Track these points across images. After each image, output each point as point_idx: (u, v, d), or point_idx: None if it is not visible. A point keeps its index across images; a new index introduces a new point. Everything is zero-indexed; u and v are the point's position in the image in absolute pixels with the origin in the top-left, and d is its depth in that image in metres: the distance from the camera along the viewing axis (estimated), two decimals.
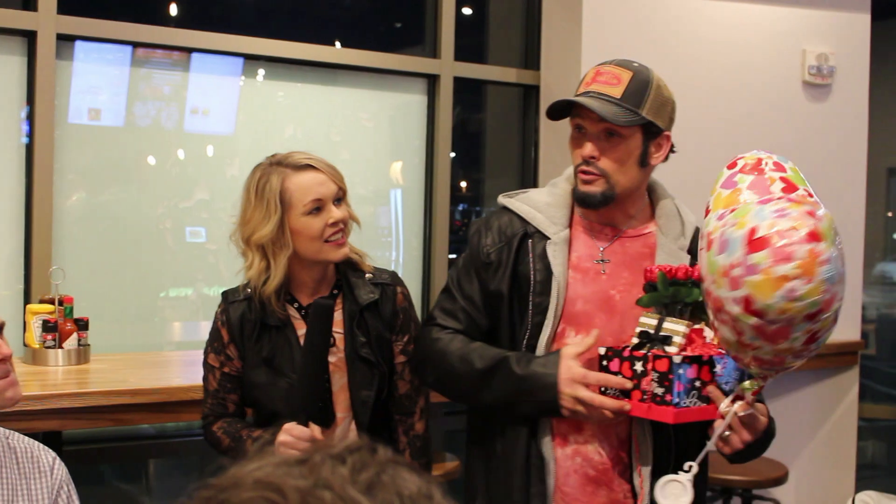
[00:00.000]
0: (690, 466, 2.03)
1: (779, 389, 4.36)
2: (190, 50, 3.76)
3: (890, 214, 7.88)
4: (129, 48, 3.67)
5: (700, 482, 2.22)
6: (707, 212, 1.92)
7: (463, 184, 4.71)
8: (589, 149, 2.17)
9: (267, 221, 2.29)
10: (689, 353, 2.05)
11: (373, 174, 4.18)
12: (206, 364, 2.46)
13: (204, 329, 3.82)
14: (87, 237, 3.62)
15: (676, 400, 2.00)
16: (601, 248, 2.27)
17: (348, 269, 2.44)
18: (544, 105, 4.23)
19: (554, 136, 4.12)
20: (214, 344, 2.43)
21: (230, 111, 3.91)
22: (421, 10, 4.35)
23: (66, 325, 3.10)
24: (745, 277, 1.74)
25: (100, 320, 3.33)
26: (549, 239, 2.25)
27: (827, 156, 4.41)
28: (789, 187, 1.89)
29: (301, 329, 2.36)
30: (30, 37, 3.41)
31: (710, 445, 2.04)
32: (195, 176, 3.85)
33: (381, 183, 4.20)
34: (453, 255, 4.22)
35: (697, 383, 2.03)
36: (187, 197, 3.81)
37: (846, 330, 4.46)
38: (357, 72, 4.08)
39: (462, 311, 2.31)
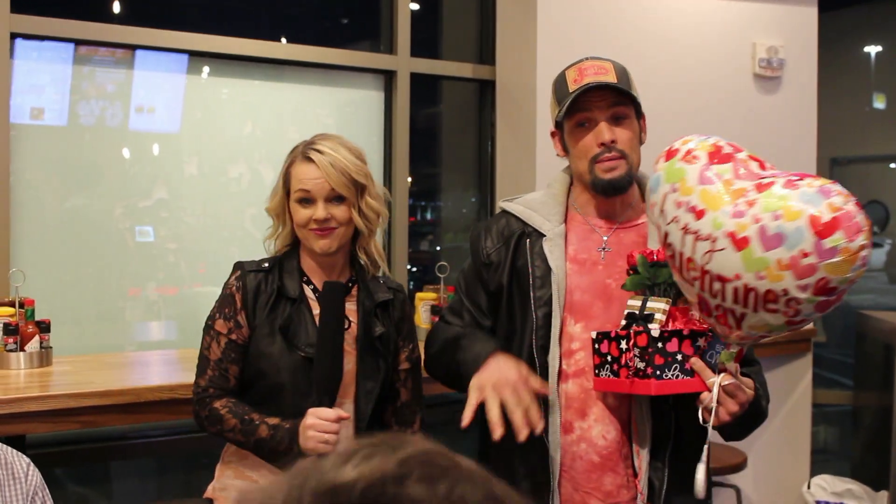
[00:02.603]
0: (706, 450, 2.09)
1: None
2: (134, 47, 3.71)
3: None
4: (71, 46, 3.61)
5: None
6: (699, 213, 1.91)
7: (411, 179, 4.72)
8: (608, 133, 2.26)
9: (276, 195, 2.45)
10: (669, 328, 2.11)
11: None
12: (210, 331, 2.43)
13: (166, 328, 3.81)
14: (45, 239, 3.57)
15: (658, 373, 2.07)
16: (604, 238, 2.37)
17: (362, 267, 2.52)
18: (500, 99, 4.26)
19: (510, 130, 4.15)
20: (225, 310, 2.43)
21: (176, 109, 3.87)
22: (374, 6, 4.34)
23: (27, 328, 3.05)
24: (822, 262, 1.76)
25: (60, 322, 3.29)
26: (545, 236, 2.35)
27: (778, 147, 4.48)
28: (762, 163, 1.98)
29: (316, 308, 2.42)
30: None
31: (709, 420, 2.07)
32: (142, 175, 3.80)
33: None
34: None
35: (679, 357, 2.08)
36: (142, 196, 3.77)
37: None
38: (312, 68, 4.07)
39: (468, 312, 2.44)
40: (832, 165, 8.13)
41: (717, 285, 1.90)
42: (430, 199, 4.87)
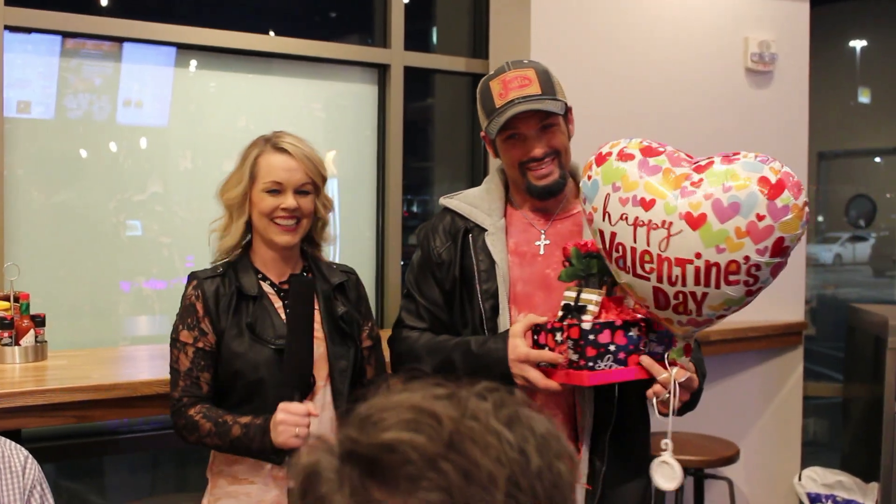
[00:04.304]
0: (667, 444, 2.15)
1: (728, 369, 4.46)
2: (121, 40, 3.69)
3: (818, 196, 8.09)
4: (58, 39, 3.59)
5: (642, 442, 2.44)
6: (648, 204, 1.97)
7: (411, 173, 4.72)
8: (539, 149, 2.33)
9: (236, 186, 2.46)
10: (601, 319, 2.16)
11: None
12: (177, 343, 2.45)
13: (160, 323, 3.79)
14: (37, 233, 3.55)
15: (591, 364, 2.11)
16: (542, 231, 2.44)
17: (316, 257, 2.58)
18: None
19: None
20: (188, 320, 2.45)
21: (164, 102, 3.85)
22: (368, 0, 4.33)
23: (22, 322, 3.04)
24: (777, 221, 1.87)
25: (54, 317, 3.27)
26: (486, 231, 2.42)
27: (770, 141, 4.50)
28: (689, 154, 2.07)
29: (277, 302, 2.47)
30: None
31: (667, 413, 2.13)
32: (129, 169, 3.77)
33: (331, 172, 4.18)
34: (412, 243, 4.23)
35: (612, 347, 2.13)
36: (132, 190, 3.75)
37: (791, 310, 4.57)
38: (304, 62, 4.05)
39: (425, 310, 2.48)
40: (819, 159, 8.17)
41: (676, 270, 1.96)
42: (423, 193, 4.87)
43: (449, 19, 4.69)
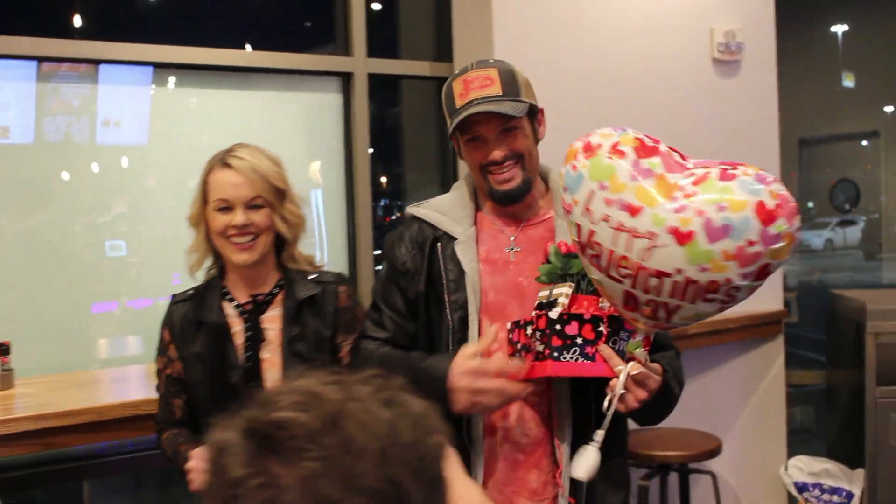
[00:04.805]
0: (597, 434, 2.08)
1: (707, 362, 4.44)
2: (96, 62, 3.68)
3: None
4: (33, 63, 3.59)
5: (618, 453, 2.33)
6: (635, 210, 1.87)
7: (383, 179, 4.70)
8: (499, 152, 2.26)
9: (195, 204, 2.43)
10: (570, 311, 2.10)
11: (294, 176, 4.13)
12: (157, 368, 2.47)
13: (131, 344, 3.77)
14: (5, 258, 3.53)
15: (555, 354, 2.05)
16: (511, 238, 2.36)
17: (291, 269, 2.49)
18: None
19: None
20: (159, 346, 2.46)
21: (143, 121, 3.84)
22: (331, 9, 4.31)
23: None
24: (767, 248, 1.80)
25: (23, 343, 3.25)
26: (456, 239, 2.34)
27: (740, 130, 4.49)
28: (682, 154, 1.97)
29: (236, 326, 2.41)
30: None
31: (607, 407, 2.06)
32: (111, 189, 3.77)
33: (303, 184, 4.16)
34: (378, 252, 4.20)
35: (579, 340, 2.07)
36: (106, 211, 3.74)
37: (769, 300, 4.55)
38: (270, 74, 4.03)
39: (389, 319, 2.38)
40: (801, 146, 8.16)
41: (653, 281, 1.88)
42: (395, 199, 4.85)
43: (412, 24, 4.66)
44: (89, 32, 3.87)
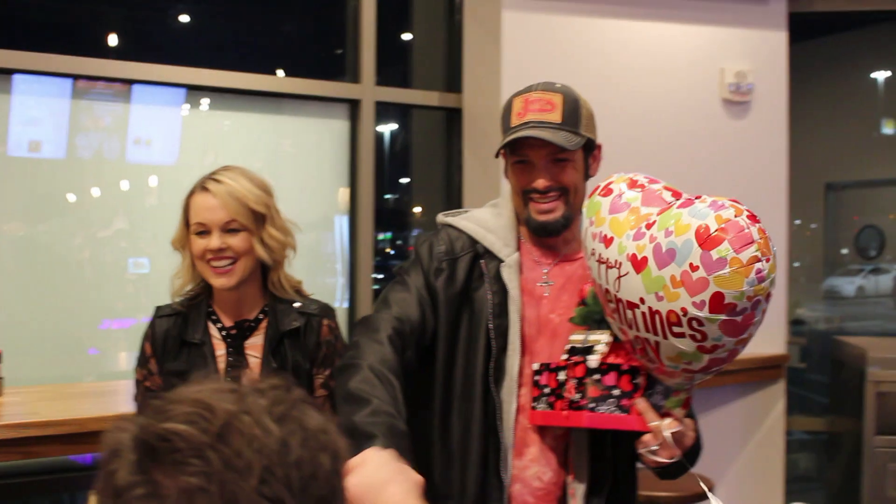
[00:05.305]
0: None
1: (706, 404, 4.41)
2: (129, 81, 3.79)
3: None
4: (69, 80, 3.68)
5: (629, 500, 2.26)
6: (608, 241, 1.89)
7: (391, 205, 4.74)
8: (544, 181, 2.15)
9: (179, 228, 2.43)
10: (609, 361, 2.04)
11: (322, 200, 4.20)
12: (135, 379, 2.47)
13: (124, 359, 3.81)
14: (26, 268, 3.62)
15: (592, 405, 1.99)
16: (545, 272, 2.26)
17: (276, 296, 2.46)
18: (466, 127, 4.26)
19: (476, 157, 4.16)
20: (139, 357, 2.46)
21: (173, 140, 3.92)
22: (342, 36, 4.38)
23: None
24: (712, 275, 1.71)
25: (17, 352, 3.29)
26: (501, 261, 2.22)
27: (748, 171, 4.49)
28: (676, 192, 1.92)
29: (219, 349, 2.40)
30: None
31: (651, 464, 2.02)
32: (139, 206, 3.86)
33: (328, 209, 4.23)
34: (380, 276, 4.23)
35: (616, 391, 2.01)
36: (132, 228, 3.83)
37: (771, 343, 4.51)
38: (299, 99, 4.13)
39: (398, 301, 2.18)
40: (827, 190, 8.09)
41: (629, 314, 1.86)
42: (400, 229, 4.89)
43: (425, 56, 4.72)
44: (124, 52, 3.96)
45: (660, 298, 1.79)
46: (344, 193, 4.21)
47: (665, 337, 1.83)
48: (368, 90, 4.15)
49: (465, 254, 2.23)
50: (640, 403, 2.01)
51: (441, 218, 2.33)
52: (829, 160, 7.30)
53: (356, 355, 2.06)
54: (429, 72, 4.64)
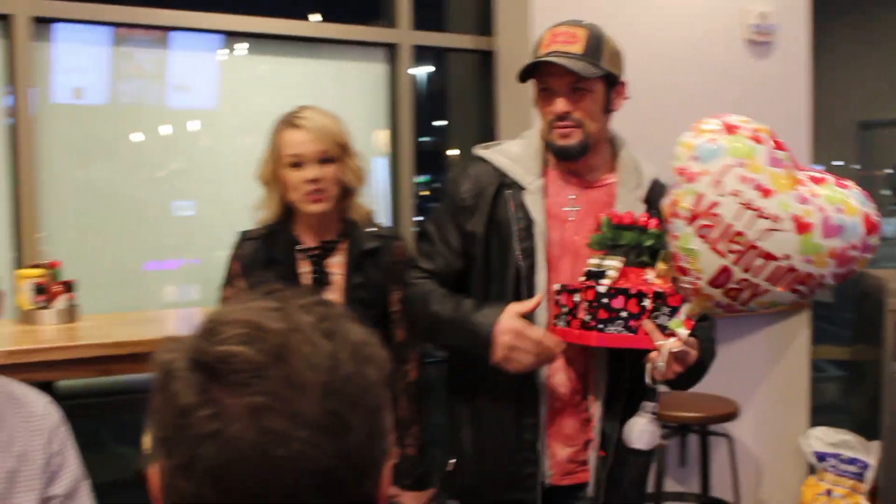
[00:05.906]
0: (644, 405, 2.27)
1: (731, 333, 4.58)
2: (167, 28, 3.92)
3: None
4: (110, 28, 3.81)
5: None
6: (766, 192, 2.01)
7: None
8: (561, 105, 2.35)
9: (267, 164, 2.68)
10: (618, 285, 2.25)
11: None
12: (220, 299, 2.71)
13: (186, 293, 4.04)
14: (75, 208, 3.79)
15: (600, 326, 2.22)
16: (571, 197, 2.47)
17: (352, 220, 2.73)
18: (500, 69, 4.42)
19: (510, 99, 4.31)
20: (226, 277, 2.71)
21: (212, 86, 4.08)
22: None
23: (54, 287, 3.30)
24: (862, 255, 2.05)
25: (86, 285, 3.53)
26: (525, 189, 2.43)
27: (771, 111, 4.58)
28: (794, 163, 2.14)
29: (303, 268, 2.67)
30: (5, 20, 3.57)
31: (652, 379, 2.24)
32: (180, 150, 4.03)
33: (365, 152, 4.37)
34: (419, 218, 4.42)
35: (623, 314, 2.22)
36: (175, 171, 3.99)
37: None
38: (336, 44, 4.27)
39: (439, 253, 2.50)
40: (860, 129, 8.07)
41: (759, 262, 2.02)
42: (438, 171, 5.05)
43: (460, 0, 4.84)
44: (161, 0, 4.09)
45: (808, 262, 2.02)
46: (380, 136, 4.38)
47: (782, 289, 2.06)
48: (406, 34, 4.31)
49: (491, 185, 2.46)
50: (647, 324, 2.23)
51: (475, 150, 2.56)
52: (862, 98, 7.28)
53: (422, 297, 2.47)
54: (462, 15, 4.78)
